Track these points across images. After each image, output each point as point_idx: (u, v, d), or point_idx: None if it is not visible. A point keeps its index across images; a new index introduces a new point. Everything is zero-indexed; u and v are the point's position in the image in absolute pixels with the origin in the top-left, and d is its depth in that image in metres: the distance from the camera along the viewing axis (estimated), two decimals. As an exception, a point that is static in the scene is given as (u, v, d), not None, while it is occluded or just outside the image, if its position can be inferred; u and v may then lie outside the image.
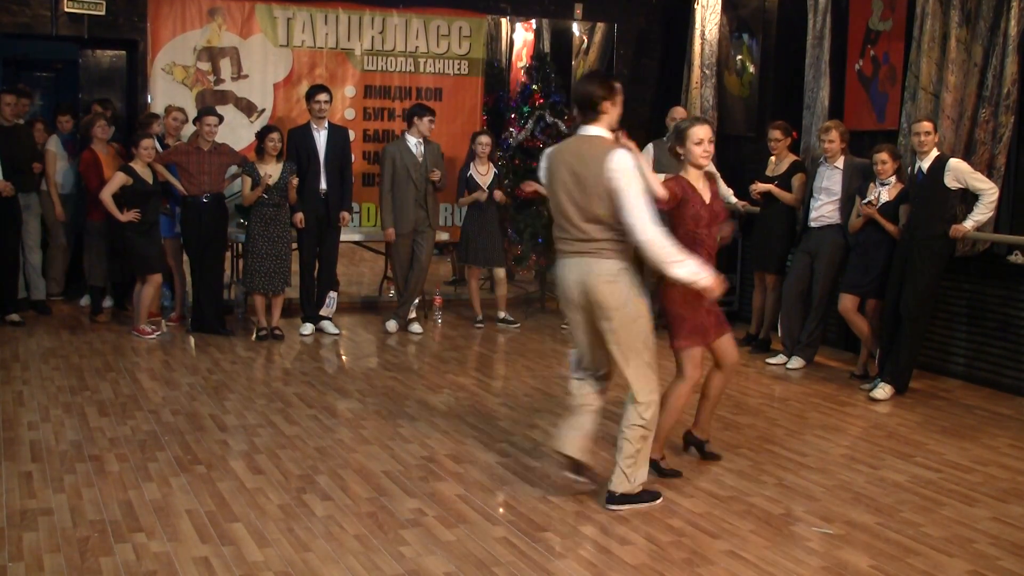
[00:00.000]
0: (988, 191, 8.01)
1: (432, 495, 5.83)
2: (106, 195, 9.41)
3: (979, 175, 8.09)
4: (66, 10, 10.60)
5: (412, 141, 10.23)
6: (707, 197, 6.20)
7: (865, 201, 8.55)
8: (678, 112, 10.64)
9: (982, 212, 8.04)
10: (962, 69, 8.70)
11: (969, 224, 8.08)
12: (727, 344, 6.33)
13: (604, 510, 5.67)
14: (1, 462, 6.18)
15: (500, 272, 10.89)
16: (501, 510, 5.67)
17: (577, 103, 5.80)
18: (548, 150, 5.91)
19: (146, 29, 10.89)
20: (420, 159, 10.21)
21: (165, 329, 10.04)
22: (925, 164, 8.16)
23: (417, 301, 10.71)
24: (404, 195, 10.16)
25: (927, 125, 8.17)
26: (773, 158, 9.66)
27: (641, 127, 12.18)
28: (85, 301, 10.82)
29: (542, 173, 5.85)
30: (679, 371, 6.21)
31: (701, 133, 6.14)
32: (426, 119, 10.20)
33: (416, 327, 10.48)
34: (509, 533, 5.32)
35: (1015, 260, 8.46)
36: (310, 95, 10.15)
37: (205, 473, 6.07)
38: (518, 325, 10.85)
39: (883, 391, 8.27)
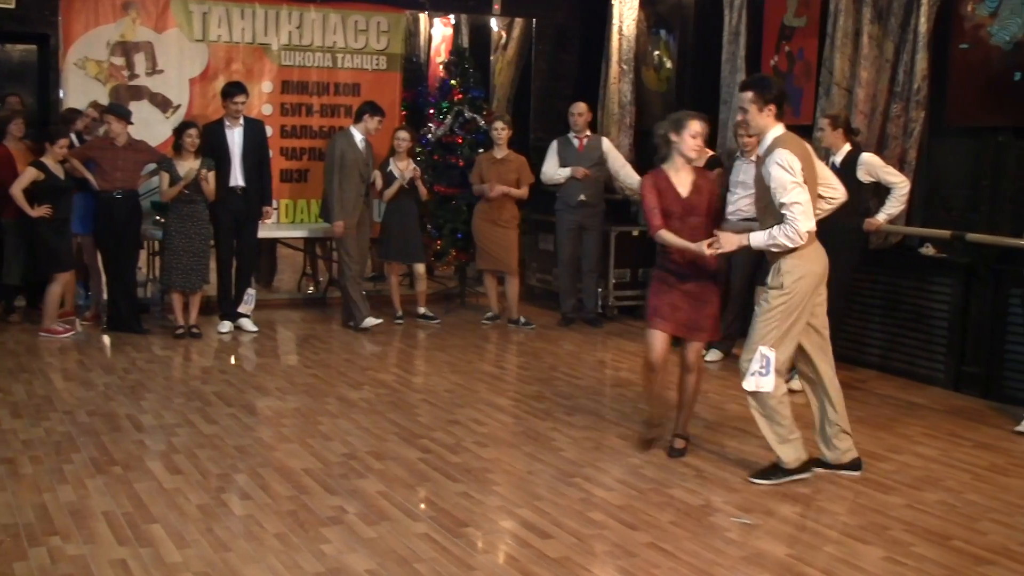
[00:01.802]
0: (900, 184, 8.15)
1: (353, 492, 5.80)
2: (16, 190, 9.23)
3: (891, 169, 8.22)
4: (-26, 4, 10.39)
5: (358, 136, 10.23)
6: (684, 191, 6.26)
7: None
8: (579, 107, 10.69)
9: (894, 205, 8.18)
10: (874, 65, 8.85)
11: (882, 217, 8.21)
12: (689, 349, 6.52)
13: (532, 504, 5.68)
14: (-90, 466, 6.05)
15: (420, 268, 10.87)
16: (423, 506, 5.66)
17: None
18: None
19: (58, 23, 10.68)
20: (365, 155, 10.22)
21: (80, 328, 9.88)
22: (838, 158, 8.28)
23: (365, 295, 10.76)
24: (351, 188, 10.15)
25: (823, 121, 8.33)
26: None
27: (559, 122, 12.21)
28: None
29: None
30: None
31: (698, 127, 6.21)
32: (376, 119, 10.22)
33: (371, 320, 10.49)
34: (431, 529, 5.31)
35: (927, 252, 8.63)
36: (228, 94, 10.03)
37: (122, 474, 5.98)
38: (438, 321, 10.84)
39: (798, 383, 8.37)
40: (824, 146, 8.36)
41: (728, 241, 6.01)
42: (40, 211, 9.29)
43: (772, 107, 5.89)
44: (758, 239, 5.88)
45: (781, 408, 6.05)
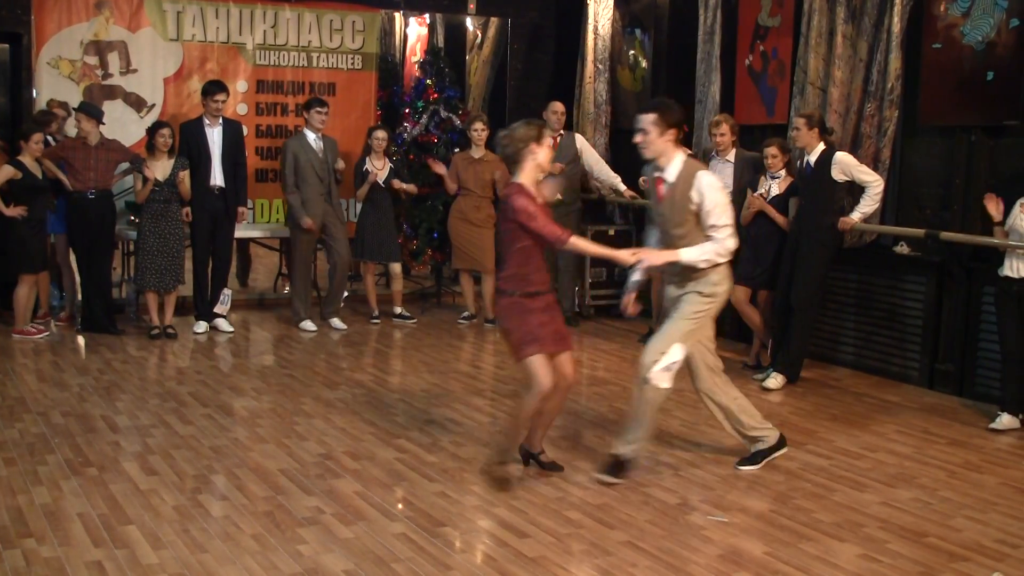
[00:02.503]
0: (874, 183, 8.19)
1: (330, 492, 5.79)
2: None
3: (864, 168, 8.26)
4: (-55, 2, 10.31)
5: (311, 136, 10.21)
6: (539, 200, 6.13)
7: (757, 193, 8.69)
8: (557, 106, 10.70)
9: (868, 204, 8.22)
10: (848, 64, 8.89)
11: (856, 216, 8.25)
12: (564, 362, 6.03)
13: (509, 503, 5.69)
14: None
15: (396, 267, 10.87)
16: (400, 506, 5.66)
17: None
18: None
19: (30, 22, 10.63)
20: (320, 153, 10.18)
21: (54, 329, 9.83)
22: (812, 157, 8.31)
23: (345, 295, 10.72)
24: (309, 190, 10.12)
25: (799, 120, 8.35)
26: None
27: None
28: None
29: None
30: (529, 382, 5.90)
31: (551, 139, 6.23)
32: (314, 112, 10.17)
33: (338, 322, 10.43)
34: (408, 529, 5.31)
35: (901, 251, 8.68)
36: (208, 92, 10.02)
37: (97, 475, 5.96)
38: (414, 320, 10.83)
39: (775, 380, 8.41)
40: (799, 146, 8.40)
41: (655, 256, 6.00)
42: (15, 211, 9.23)
43: (673, 132, 5.93)
44: (690, 255, 5.95)
45: (657, 405, 6.15)
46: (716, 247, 5.94)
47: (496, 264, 9.98)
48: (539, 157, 5.84)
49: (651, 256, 6.00)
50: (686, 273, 6.02)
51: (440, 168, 10.80)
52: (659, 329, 6.17)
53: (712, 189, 5.90)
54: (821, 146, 8.29)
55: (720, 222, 5.91)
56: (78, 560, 4.83)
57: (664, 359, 5.99)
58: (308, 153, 10.13)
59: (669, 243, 6.05)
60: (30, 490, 5.69)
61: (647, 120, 5.89)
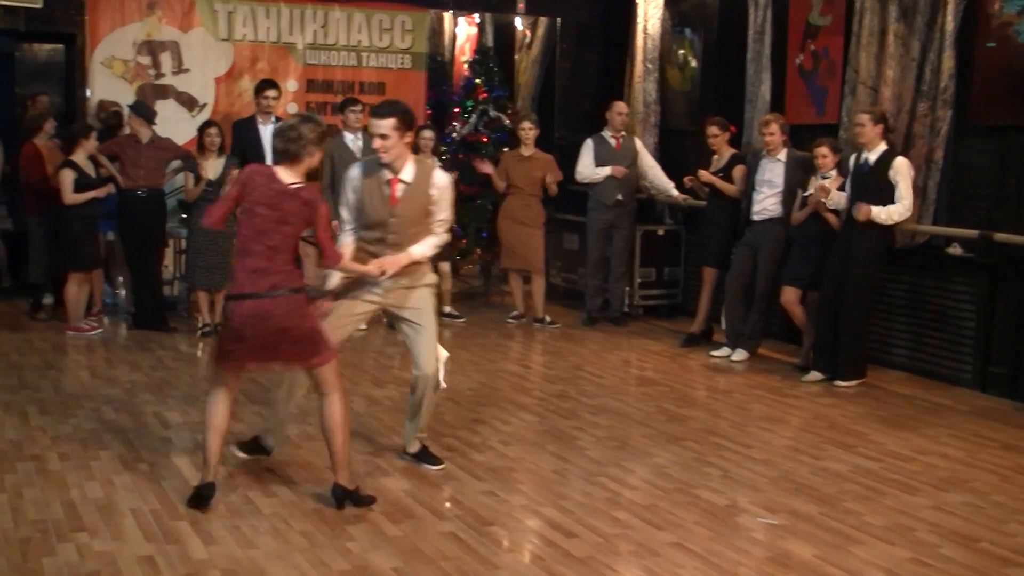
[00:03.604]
0: (905, 204, 8.09)
1: (378, 490, 5.81)
2: (70, 199, 9.26)
3: (909, 186, 8.14)
4: (1, 3, 10.42)
5: (349, 137, 10.20)
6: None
7: (807, 193, 8.63)
8: (620, 107, 10.68)
9: (892, 213, 8.11)
10: (900, 63, 8.81)
11: (877, 210, 8.14)
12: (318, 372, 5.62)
13: (557, 503, 5.69)
14: (-61, 462, 6.10)
15: (444, 267, 10.85)
16: (447, 504, 5.67)
17: None
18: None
19: (84, 22, 10.75)
20: (359, 154, 10.18)
21: (107, 325, 9.95)
22: (872, 156, 8.23)
23: None
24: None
25: (863, 116, 8.26)
26: (716, 155, 9.71)
27: (583, 120, 12.22)
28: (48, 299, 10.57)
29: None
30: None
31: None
32: (348, 112, 10.17)
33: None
34: (456, 528, 5.32)
35: (953, 252, 8.58)
36: (259, 90, 10.12)
37: (148, 471, 6.01)
38: (463, 319, 10.84)
39: (815, 376, 8.43)
40: (861, 141, 8.29)
41: (395, 262, 5.90)
42: (102, 191, 9.40)
43: (409, 135, 5.93)
44: (421, 251, 6.03)
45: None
46: (437, 240, 6.10)
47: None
48: (314, 161, 5.61)
49: (390, 263, 5.90)
50: (408, 270, 6.02)
51: (487, 167, 10.81)
52: (413, 336, 6.14)
53: (447, 184, 6.08)
54: (883, 145, 8.21)
55: (447, 216, 6.12)
56: (130, 555, 4.88)
57: (440, 364, 6.19)
58: (345, 154, 10.12)
59: (398, 244, 5.99)
60: (83, 485, 5.76)
61: (387, 126, 5.77)
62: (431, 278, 6.22)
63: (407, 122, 5.85)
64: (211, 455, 5.54)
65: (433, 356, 6.13)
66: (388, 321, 6.32)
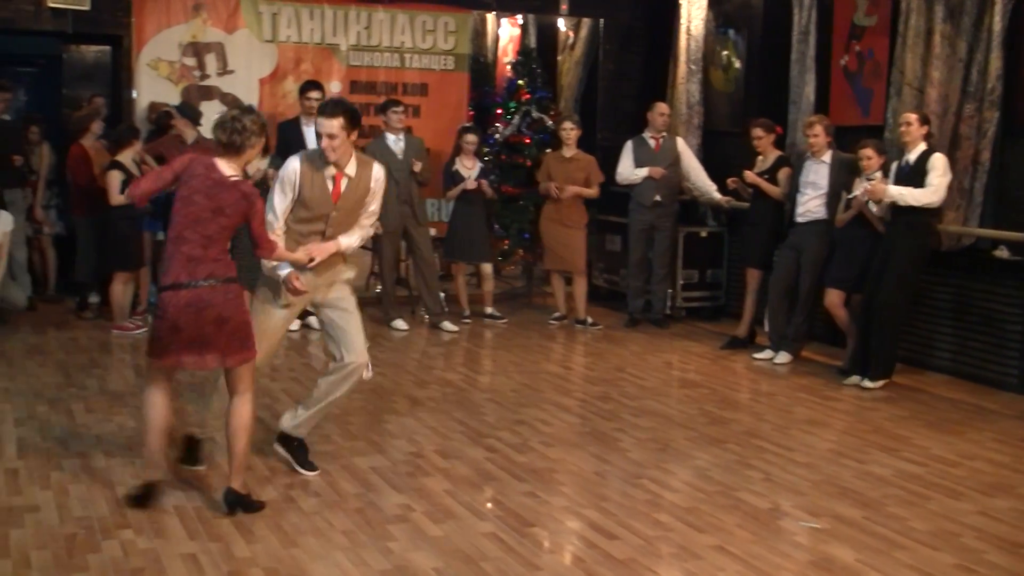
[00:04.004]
0: (931, 193, 8.02)
1: (419, 491, 5.83)
2: (117, 200, 9.34)
3: (941, 177, 8.04)
4: (49, 5, 10.53)
5: (391, 138, 10.23)
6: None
7: (851, 195, 8.57)
8: (662, 108, 10.65)
9: (911, 194, 8.04)
10: (946, 64, 8.73)
11: (894, 188, 8.09)
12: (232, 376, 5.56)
13: (599, 505, 5.68)
14: (-13, 459, 6.17)
15: (486, 267, 10.90)
16: (489, 505, 5.68)
17: None
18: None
19: (130, 24, 10.84)
20: (400, 156, 10.21)
21: (151, 324, 10.01)
22: (912, 156, 8.18)
23: (444, 295, 10.77)
24: (386, 193, 10.13)
25: (910, 116, 8.20)
26: (760, 156, 9.66)
27: (625, 122, 12.18)
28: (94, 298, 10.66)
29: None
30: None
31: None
32: (390, 113, 10.20)
33: (448, 325, 10.44)
34: (497, 528, 5.32)
35: (999, 255, 8.50)
36: (303, 91, 10.19)
37: (192, 469, 6.05)
38: (505, 320, 10.85)
39: (855, 380, 8.38)
40: (905, 140, 8.22)
41: (322, 249, 5.89)
42: (123, 198, 9.47)
43: (355, 132, 5.93)
44: (349, 241, 6.05)
45: None
46: (363, 232, 6.16)
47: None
48: (254, 154, 5.60)
49: (318, 250, 5.87)
50: (332, 262, 6.02)
51: (553, 191, 10.78)
52: (342, 322, 6.11)
53: (383, 178, 6.12)
54: (923, 146, 8.16)
55: (376, 208, 6.15)
56: (173, 552, 4.92)
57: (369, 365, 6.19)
58: (386, 156, 10.15)
59: (333, 236, 6.00)
60: (128, 482, 5.80)
61: (336, 125, 5.76)
62: (349, 274, 6.21)
63: (353, 121, 5.86)
64: (154, 453, 5.53)
65: (364, 342, 6.12)
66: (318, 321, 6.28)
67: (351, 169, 5.94)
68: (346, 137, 5.84)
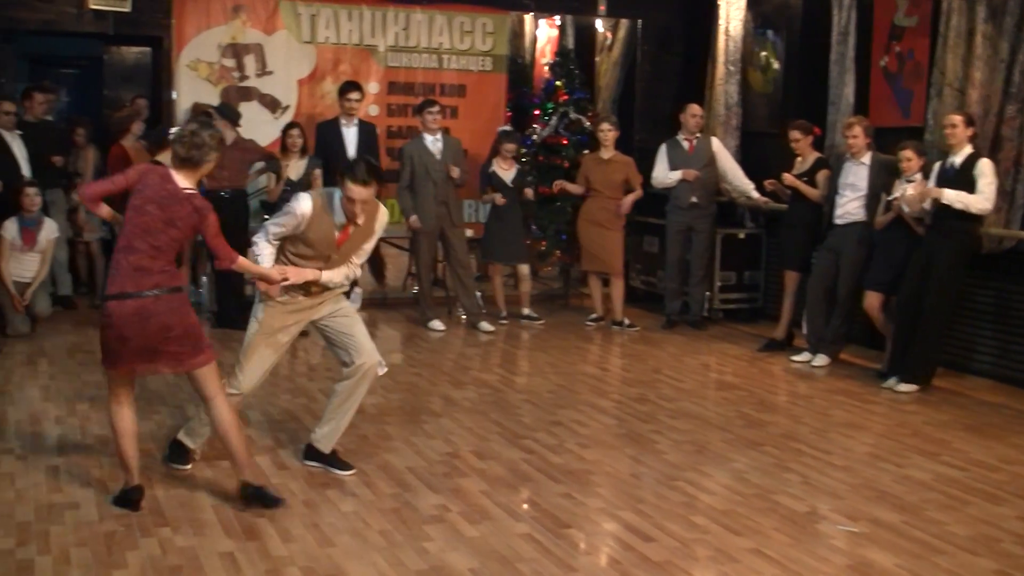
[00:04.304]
0: (984, 200, 7.94)
1: (455, 491, 5.84)
2: None
3: (991, 186, 7.97)
4: (91, 7, 10.63)
5: (428, 139, 10.26)
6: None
7: (891, 197, 8.51)
8: (695, 109, 10.62)
9: (966, 199, 7.95)
10: (988, 65, 8.65)
11: (950, 192, 7.99)
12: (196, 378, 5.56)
13: (635, 507, 5.67)
14: (28, 456, 6.22)
15: (524, 269, 10.90)
16: (525, 506, 5.68)
17: None
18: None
19: (171, 26, 10.91)
20: (438, 156, 10.23)
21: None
22: (958, 159, 8.10)
23: (480, 296, 10.79)
24: (423, 193, 10.18)
25: (956, 118, 8.12)
26: (799, 158, 9.60)
27: (663, 123, 12.14)
28: None
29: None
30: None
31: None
32: (426, 113, 10.23)
33: (485, 325, 10.45)
34: (533, 530, 5.32)
35: (1042, 258, 8.43)
36: (342, 92, 10.27)
37: (230, 468, 6.06)
38: (542, 322, 10.85)
39: (894, 382, 8.33)
40: (951, 143, 8.16)
41: (298, 274, 5.84)
42: None
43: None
44: (331, 277, 5.97)
45: None
46: (348, 271, 6.05)
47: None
48: (209, 167, 5.55)
49: (294, 273, 5.83)
50: (324, 292, 6.04)
51: (566, 187, 10.80)
52: (348, 326, 6.11)
53: (386, 220, 6.09)
54: (969, 148, 8.09)
55: (371, 247, 6.16)
56: (211, 550, 4.95)
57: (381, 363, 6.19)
58: (424, 156, 10.19)
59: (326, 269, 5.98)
60: (166, 480, 5.85)
61: (368, 193, 5.71)
62: (342, 288, 6.21)
63: (380, 184, 5.85)
64: (129, 459, 5.52)
65: (371, 342, 6.14)
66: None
67: (361, 218, 5.87)
68: (374, 194, 5.81)
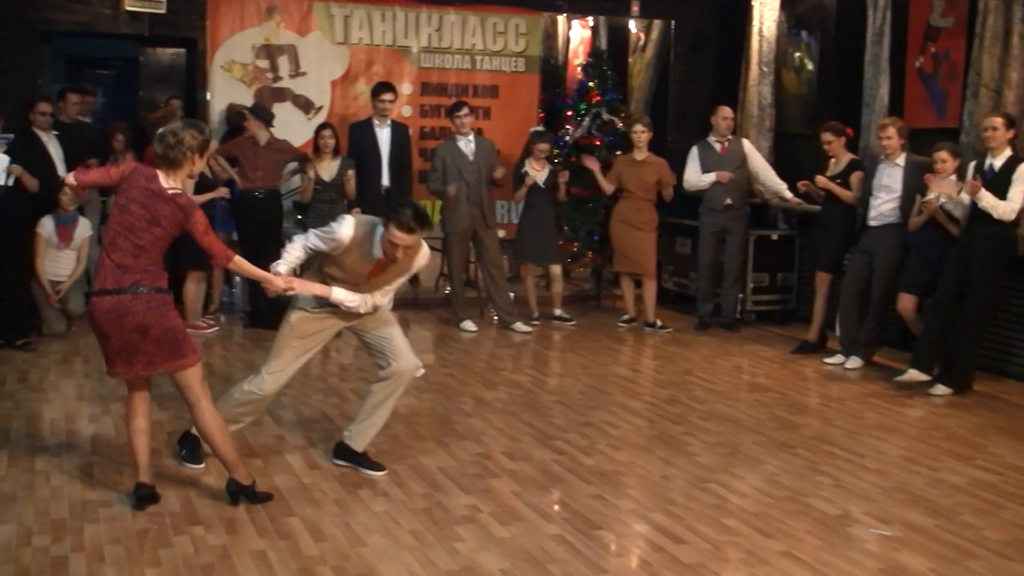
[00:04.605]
0: (1012, 205, 7.88)
1: (487, 492, 5.84)
2: (194, 200, 9.45)
3: (1022, 193, 7.93)
4: (127, 8, 10.71)
5: (461, 141, 10.27)
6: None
7: (925, 199, 8.45)
8: (726, 111, 10.57)
9: (996, 204, 7.88)
10: (1025, 66, 8.59)
11: (985, 194, 7.91)
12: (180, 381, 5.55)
13: (666, 509, 5.66)
14: (63, 454, 6.27)
15: (556, 269, 10.90)
16: (556, 507, 5.67)
17: None
18: None
19: (205, 27, 10.99)
20: (471, 157, 10.23)
21: (223, 323, 10.16)
22: (997, 162, 8.03)
23: (512, 296, 10.80)
24: (456, 195, 10.18)
25: (996, 120, 8.04)
26: (832, 160, 9.55)
27: (697, 124, 12.11)
28: None
29: None
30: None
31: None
32: (455, 116, 10.24)
33: (520, 326, 10.45)
34: (564, 531, 5.32)
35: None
36: (375, 92, 10.29)
37: (262, 467, 6.12)
38: (573, 323, 10.84)
39: (912, 374, 8.29)
40: (991, 146, 8.08)
41: (305, 287, 5.85)
42: (196, 199, 9.57)
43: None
44: (340, 296, 5.89)
45: None
46: (369, 299, 5.92)
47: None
48: (196, 168, 5.55)
49: (299, 284, 5.84)
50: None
51: (593, 164, 10.78)
52: (383, 342, 6.13)
53: (425, 262, 6.05)
54: (1008, 151, 8.02)
55: (398, 285, 6.13)
56: (243, 549, 4.97)
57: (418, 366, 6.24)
58: (457, 158, 10.20)
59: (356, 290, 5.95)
60: (199, 479, 5.88)
61: (413, 240, 5.69)
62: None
63: (426, 228, 5.78)
64: (140, 456, 5.54)
65: (408, 346, 6.17)
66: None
67: (400, 256, 5.81)
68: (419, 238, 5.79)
